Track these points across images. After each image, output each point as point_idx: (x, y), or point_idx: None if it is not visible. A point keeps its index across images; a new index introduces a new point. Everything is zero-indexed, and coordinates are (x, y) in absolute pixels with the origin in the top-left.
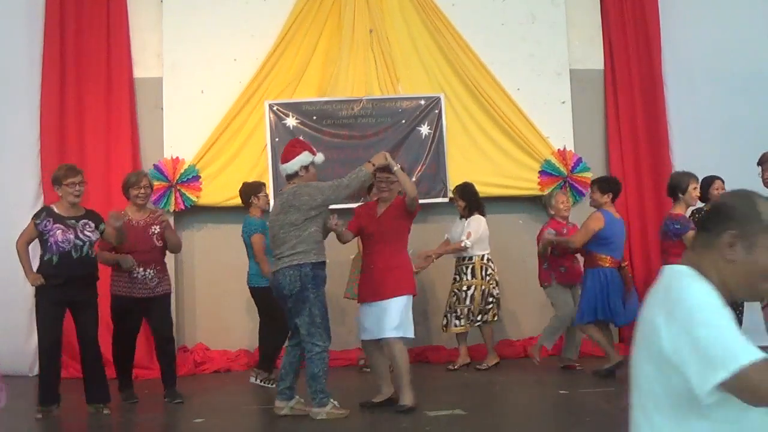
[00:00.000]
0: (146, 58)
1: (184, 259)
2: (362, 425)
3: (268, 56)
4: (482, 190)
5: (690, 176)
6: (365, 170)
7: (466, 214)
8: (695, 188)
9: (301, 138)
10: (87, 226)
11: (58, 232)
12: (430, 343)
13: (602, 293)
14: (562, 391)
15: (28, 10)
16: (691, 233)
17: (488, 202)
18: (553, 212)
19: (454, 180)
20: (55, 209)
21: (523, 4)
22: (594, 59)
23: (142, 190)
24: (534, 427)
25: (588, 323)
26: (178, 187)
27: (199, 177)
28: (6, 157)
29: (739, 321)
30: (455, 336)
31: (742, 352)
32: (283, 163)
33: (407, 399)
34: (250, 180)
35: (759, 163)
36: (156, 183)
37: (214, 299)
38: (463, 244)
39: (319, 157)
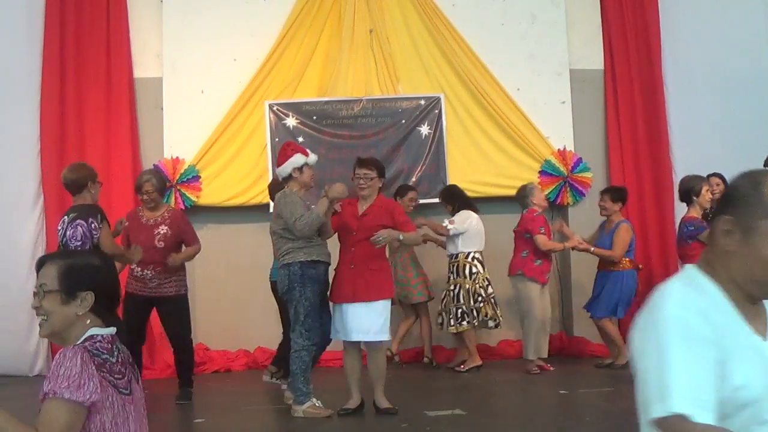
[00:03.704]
0: (146, 58)
1: None
2: (362, 425)
3: (268, 56)
4: (482, 190)
5: (702, 179)
6: (317, 213)
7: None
8: (708, 190)
9: (300, 139)
10: None
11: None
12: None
13: (622, 293)
14: (562, 391)
15: (28, 10)
16: (707, 233)
17: (488, 202)
18: (535, 202)
19: (453, 180)
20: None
21: (523, 4)
22: (594, 59)
23: (145, 196)
24: (534, 427)
25: (602, 318)
26: (178, 187)
27: (199, 177)
28: (6, 157)
29: None
30: (452, 336)
31: (670, 398)
32: (277, 166)
33: (385, 401)
34: (251, 180)
35: (765, 164)
36: None
37: (214, 299)
38: (444, 224)
39: (312, 158)
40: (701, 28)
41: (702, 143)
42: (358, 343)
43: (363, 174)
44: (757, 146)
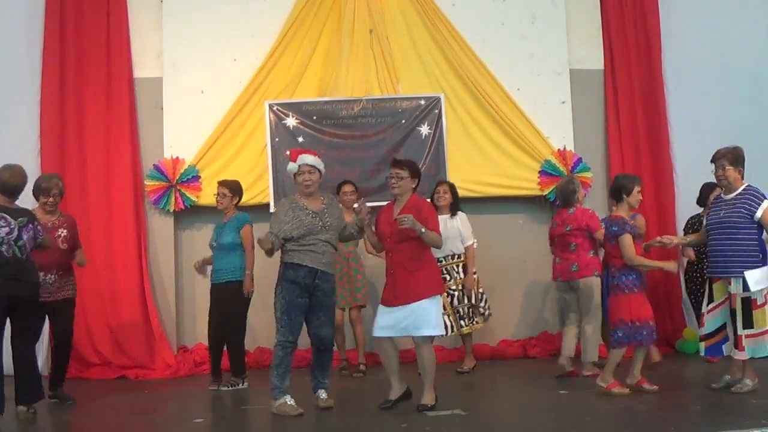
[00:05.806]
0: (146, 58)
1: (184, 259)
2: (362, 425)
3: (268, 56)
4: (482, 190)
5: (636, 179)
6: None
7: (449, 211)
8: (639, 191)
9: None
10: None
11: None
12: None
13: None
14: (562, 391)
15: (28, 10)
16: (626, 236)
17: (488, 202)
18: (581, 199)
19: (453, 180)
20: None
21: (523, 4)
22: (594, 59)
23: (51, 199)
24: (534, 427)
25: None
26: (178, 187)
27: (199, 177)
28: (6, 158)
29: None
30: (461, 337)
31: None
32: None
33: (429, 398)
34: (251, 180)
35: (712, 161)
36: (156, 183)
37: None
38: (475, 246)
39: (291, 166)
40: (701, 27)
41: (702, 143)
42: (389, 338)
43: (395, 173)
44: (758, 146)
